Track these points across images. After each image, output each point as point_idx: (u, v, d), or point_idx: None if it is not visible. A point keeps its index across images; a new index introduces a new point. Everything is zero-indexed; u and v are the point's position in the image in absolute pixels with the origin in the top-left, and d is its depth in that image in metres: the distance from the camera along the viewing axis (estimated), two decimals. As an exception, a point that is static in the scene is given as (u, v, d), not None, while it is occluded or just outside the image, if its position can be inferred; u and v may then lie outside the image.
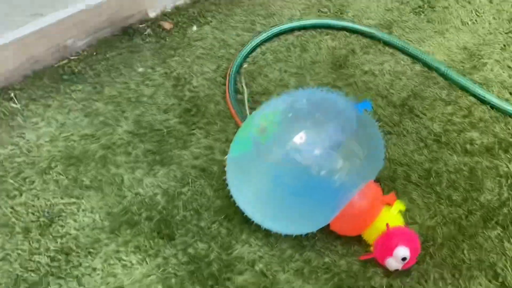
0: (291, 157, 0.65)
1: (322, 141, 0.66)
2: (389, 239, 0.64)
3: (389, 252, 0.64)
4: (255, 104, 0.88)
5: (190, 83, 0.94)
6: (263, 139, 0.68)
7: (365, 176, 0.67)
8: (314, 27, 1.03)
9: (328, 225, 0.67)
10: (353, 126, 0.68)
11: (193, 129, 0.86)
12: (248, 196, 0.69)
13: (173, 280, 0.67)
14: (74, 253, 0.70)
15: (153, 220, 0.74)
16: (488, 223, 0.70)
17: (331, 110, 0.70)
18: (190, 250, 0.70)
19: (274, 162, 0.66)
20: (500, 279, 0.64)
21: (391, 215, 0.66)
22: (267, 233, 0.71)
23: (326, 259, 0.68)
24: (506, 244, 0.67)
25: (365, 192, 0.66)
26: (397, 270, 0.64)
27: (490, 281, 0.64)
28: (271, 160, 0.66)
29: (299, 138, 0.66)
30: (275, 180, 0.66)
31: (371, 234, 0.66)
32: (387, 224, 0.64)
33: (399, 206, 0.67)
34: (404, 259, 0.63)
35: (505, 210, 0.71)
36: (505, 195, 0.73)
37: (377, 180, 0.70)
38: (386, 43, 0.99)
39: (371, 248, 0.66)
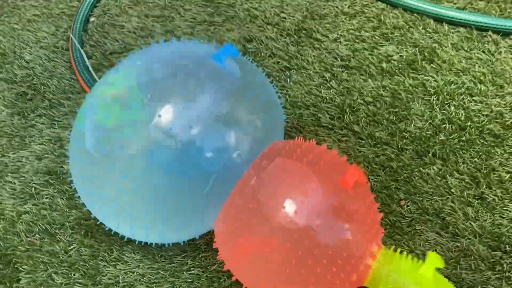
0: (160, 143, 0.44)
1: (198, 113, 0.47)
2: None
3: None
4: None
5: (22, 57, 0.70)
6: (111, 123, 0.47)
7: (264, 140, 0.49)
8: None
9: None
10: (235, 83, 0.49)
11: (32, 120, 0.64)
12: (113, 206, 0.49)
13: None
14: None
15: (-14, 260, 0.53)
16: (424, 158, 0.55)
17: (201, 69, 0.49)
18: (42, 291, 0.50)
19: (135, 153, 0.45)
20: (451, 228, 0.50)
21: (428, 278, 0.39)
22: (144, 241, 0.52)
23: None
24: (450, 180, 0.53)
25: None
26: None
27: (439, 234, 0.50)
28: (131, 150, 0.46)
29: (165, 115, 0.46)
30: (146, 177, 0.46)
31: None
32: None
33: (434, 261, 0.39)
34: None
35: (441, 136, 0.56)
36: (439, 117, 0.57)
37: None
38: (268, -44, 0.78)
39: None
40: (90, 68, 0.66)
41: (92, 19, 0.74)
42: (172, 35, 0.70)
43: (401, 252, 0.42)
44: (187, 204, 0.45)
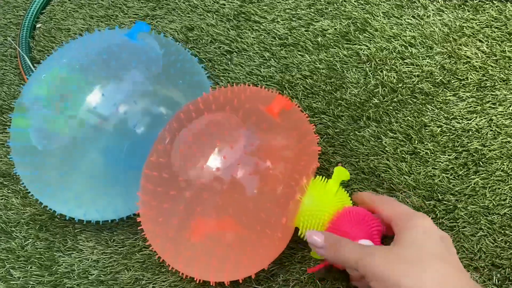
0: (91, 123, 0.46)
1: (126, 92, 0.48)
2: (342, 235, 0.42)
3: None
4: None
5: (-29, 68, 0.72)
6: (42, 113, 0.49)
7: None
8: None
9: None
10: (158, 62, 0.51)
11: (-16, 126, 0.66)
12: (61, 194, 0.50)
13: (-17, 335, 0.49)
14: None
15: None
16: (359, 122, 0.57)
17: (125, 53, 0.51)
18: (1, 286, 0.52)
19: (70, 136, 0.47)
20: (386, 184, 0.52)
21: (330, 193, 0.44)
22: (97, 228, 0.54)
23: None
24: (384, 139, 0.55)
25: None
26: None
27: (375, 190, 0.52)
28: (66, 135, 0.47)
29: (93, 97, 0.48)
30: (84, 159, 0.48)
31: (310, 227, 0.44)
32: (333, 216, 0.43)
33: (341, 174, 0.45)
34: None
35: (375, 100, 0.58)
36: (372, 82, 0.59)
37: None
38: None
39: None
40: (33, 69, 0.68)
41: (38, 25, 0.75)
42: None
43: (321, 179, 0.45)
44: (115, 178, 0.47)
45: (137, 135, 0.46)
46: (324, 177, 0.45)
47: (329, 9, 0.68)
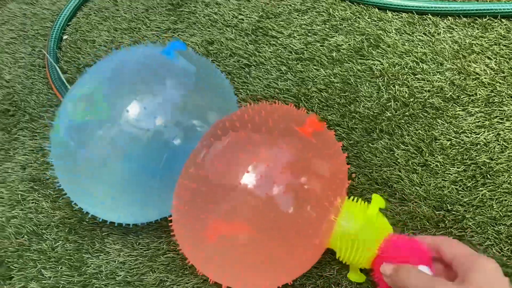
0: (130, 134, 0.50)
1: (164, 105, 0.52)
2: (402, 260, 0.44)
3: None
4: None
5: (2, 77, 0.75)
6: (84, 124, 0.52)
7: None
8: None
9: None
10: (192, 78, 0.54)
11: (14, 134, 0.69)
12: (97, 198, 0.54)
13: (17, 331, 0.53)
14: None
15: (-20, 263, 0.58)
16: (372, 134, 0.60)
17: (162, 69, 0.55)
18: (33, 285, 0.55)
19: (109, 146, 0.51)
20: (398, 195, 0.55)
21: (372, 218, 0.45)
22: (124, 231, 0.57)
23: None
24: (396, 151, 0.58)
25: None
26: None
27: (388, 200, 0.54)
28: (106, 145, 0.51)
29: (132, 110, 0.51)
30: (122, 166, 0.51)
31: (353, 251, 0.45)
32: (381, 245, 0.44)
33: (378, 202, 0.45)
34: None
35: (388, 113, 0.61)
36: (385, 96, 0.62)
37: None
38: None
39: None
40: (65, 82, 0.71)
41: (65, 37, 0.79)
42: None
43: (353, 199, 0.47)
44: (150, 186, 0.50)
45: (174, 146, 0.50)
46: (357, 198, 0.47)
47: (344, 25, 0.71)
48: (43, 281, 0.55)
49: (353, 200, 0.47)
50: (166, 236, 0.56)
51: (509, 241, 0.50)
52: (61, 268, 0.56)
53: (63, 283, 0.54)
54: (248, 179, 0.42)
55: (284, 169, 0.43)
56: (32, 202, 0.61)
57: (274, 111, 0.46)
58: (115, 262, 0.55)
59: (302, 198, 0.43)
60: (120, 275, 0.54)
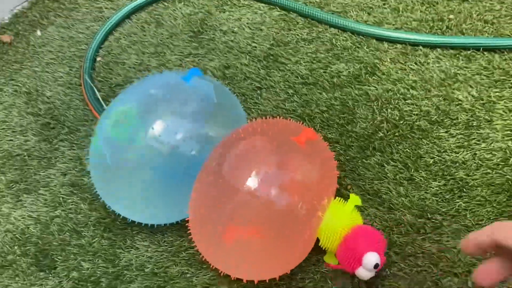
0: (155, 147, 0.60)
1: (183, 123, 0.62)
2: (353, 248, 0.54)
3: (358, 263, 0.54)
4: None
5: (43, 94, 0.86)
6: (117, 137, 0.63)
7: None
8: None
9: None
10: (207, 100, 0.64)
11: (55, 144, 0.79)
12: (127, 201, 0.64)
13: (61, 312, 0.62)
14: None
15: (29, 255, 0.67)
16: (366, 151, 0.69)
17: (183, 92, 0.65)
18: (74, 274, 0.64)
19: (138, 157, 0.61)
20: (386, 204, 0.64)
21: (345, 213, 0.55)
22: (151, 231, 0.66)
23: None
24: (386, 167, 0.67)
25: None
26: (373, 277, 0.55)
27: (377, 209, 0.64)
28: (135, 155, 0.61)
29: (157, 127, 0.61)
30: (148, 174, 0.61)
31: (328, 239, 0.55)
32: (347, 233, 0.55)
33: (354, 200, 0.56)
34: (376, 266, 0.53)
35: (380, 133, 0.70)
36: (378, 118, 0.71)
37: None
38: (240, -4, 0.94)
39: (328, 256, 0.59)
40: (100, 99, 0.81)
41: (98, 58, 0.89)
42: (165, 68, 0.86)
43: (339, 200, 0.57)
44: (172, 191, 0.60)
45: (191, 157, 0.59)
46: (341, 198, 0.58)
47: (344, 54, 0.80)
48: (82, 271, 0.65)
49: (339, 201, 0.57)
50: (187, 235, 0.65)
51: (479, 246, 0.59)
52: (97, 260, 0.65)
53: (99, 273, 0.64)
54: (251, 182, 0.53)
55: (280, 173, 0.53)
56: (72, 204, 0.71)
57: (275, 124, 0.56)
58: (143, 256, 0.65)
59: (294, 198, 0.53)
60: (148, 268, 0.63)
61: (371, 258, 0.53)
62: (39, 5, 1.01)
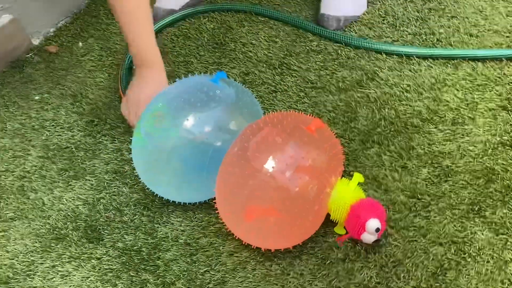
0: (187, 138, 0.72)
1: (211, 118, 0.74)
2: (358, 216, 0.66)
3: (362, 228, 0.66)
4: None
5: (87, 96, 0.99)
6: (156, 130, 0.75)
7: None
8: (189, 15, 1.10)
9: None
10: (232, 99, 0.77)
11: (99, 138, 0.92)
12: (164, 183, 0.76)
13: (109, 274, 0.73)
14: (13, 280, 0.75)
15: (79, 229, 0.79)
16: (366, 144, 0.80)
17: (211, 91, 0.77)
18: (119, 244, 0.76)
19: (173, 146, 0.73)
20: (383, 187, 0.75)
21: (351, 189, 0.67)
22: (184, 209, 0.78)
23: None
24: (383, 156, 0.78)
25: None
26: (376, 241, 0.67)
27: (376, 191, 0.75)
28: (170, 145, 0.73)
29: (189, 121, 0.73)
30: (181, 161, 0.74)
31: (337, 212, 0.67)
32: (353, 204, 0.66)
33: (357, 178, 0.68)
34: (377, 229, 0.65)
35: (378, 129, 0.82)
36: (377, 116, 0.83)
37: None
38: (257, 14, 1.07)
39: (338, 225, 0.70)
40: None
41: (134, 67, 1.02)
42: (192, 75, 0.98)
43: (342, 177, 0.69)
44: (201, 175, 0.72)
45: (217, 147, 0.71)
46: (346, 178, 0.69)
47: (348, 62, 0.93)
48: (126, 242, 0.76)
49: (345, 180, 0.69)
50: (214, 212, 0.77)
51: (460, 220, 0.70)
52: (138, 233, 0.77)
53: (141, 244, 0.76)
54: (269, 164, 0.64)
55: (294, 156, 0.64)
56: (115, 188, 0.83)
57: (288, 115, 0.68)
58: (177, 230, 0.76)
59: (306, 177, 0.65)
60: (182, 239, 0.75)
61: (373, 223, 0.65)
62: (80, 20, 1.15)
